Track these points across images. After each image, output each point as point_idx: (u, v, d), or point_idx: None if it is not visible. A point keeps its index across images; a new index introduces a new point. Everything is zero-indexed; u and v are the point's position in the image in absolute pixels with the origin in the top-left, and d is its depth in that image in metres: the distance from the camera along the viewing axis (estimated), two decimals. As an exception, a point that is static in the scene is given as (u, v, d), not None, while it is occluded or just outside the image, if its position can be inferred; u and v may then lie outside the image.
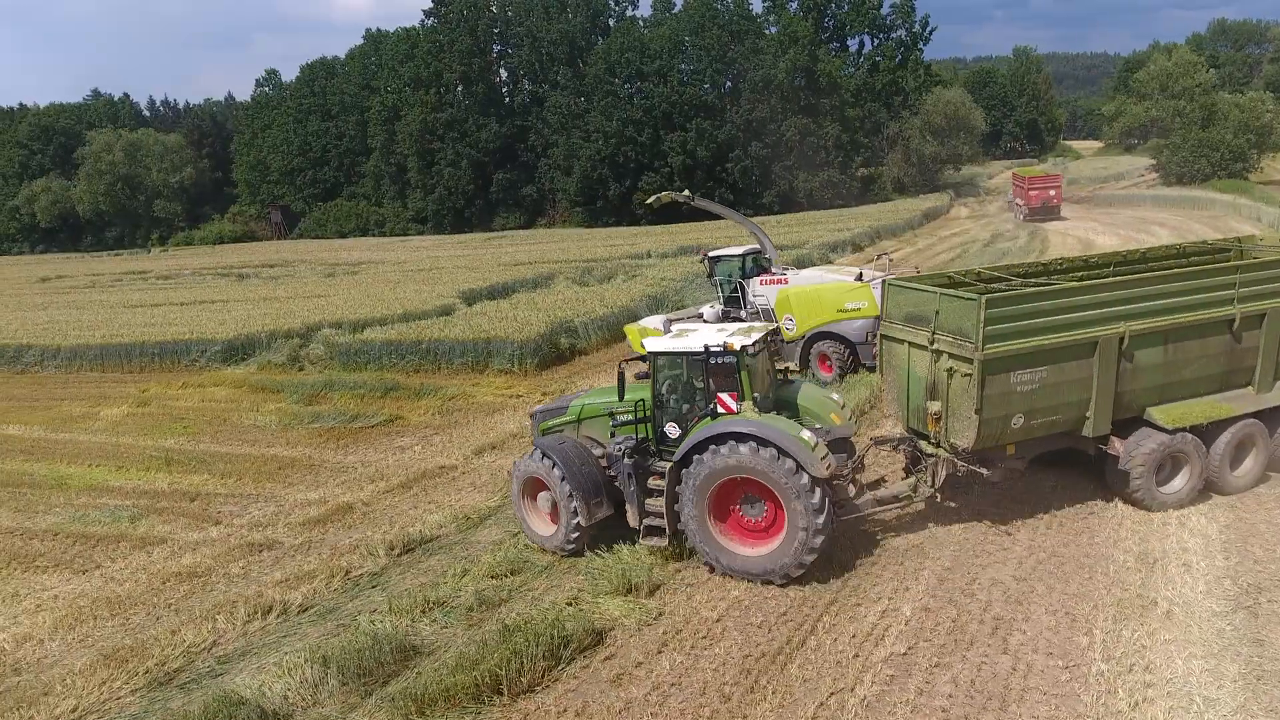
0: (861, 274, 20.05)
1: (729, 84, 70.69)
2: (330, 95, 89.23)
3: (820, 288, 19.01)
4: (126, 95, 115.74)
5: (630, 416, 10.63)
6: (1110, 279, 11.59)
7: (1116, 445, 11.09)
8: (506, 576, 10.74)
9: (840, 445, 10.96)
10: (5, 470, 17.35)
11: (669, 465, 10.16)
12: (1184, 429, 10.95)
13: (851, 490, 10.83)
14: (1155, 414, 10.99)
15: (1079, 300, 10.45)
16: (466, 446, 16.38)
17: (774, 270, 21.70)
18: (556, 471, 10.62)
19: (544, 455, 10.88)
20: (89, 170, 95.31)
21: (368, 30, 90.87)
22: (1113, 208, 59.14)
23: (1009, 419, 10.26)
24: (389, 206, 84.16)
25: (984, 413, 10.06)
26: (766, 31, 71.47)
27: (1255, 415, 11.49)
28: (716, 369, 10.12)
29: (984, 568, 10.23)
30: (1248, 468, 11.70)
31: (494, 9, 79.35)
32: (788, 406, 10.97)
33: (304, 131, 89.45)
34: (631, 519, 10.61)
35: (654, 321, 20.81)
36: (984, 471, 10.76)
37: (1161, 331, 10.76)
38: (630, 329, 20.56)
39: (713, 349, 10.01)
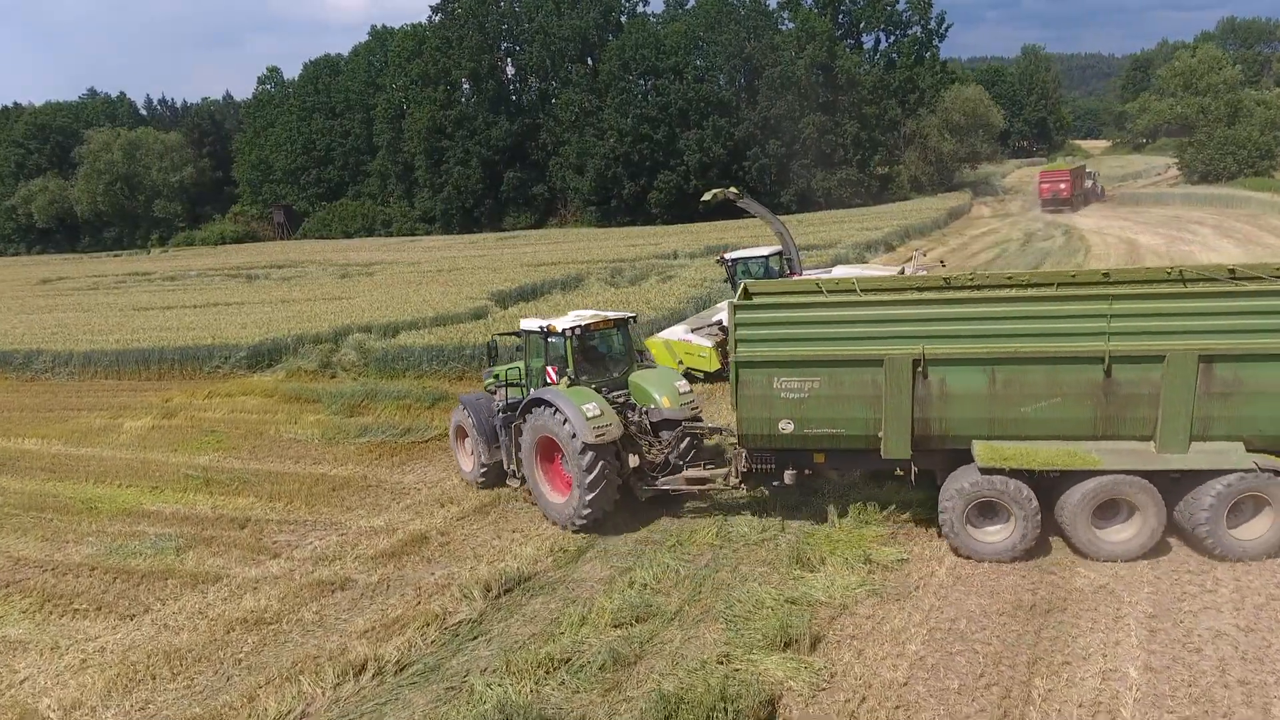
0: (904, 271, 19.66)
1: (745, 80, 69.28)
2: (335, 93, 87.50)
3: (670, 340, 19.63)
4: (123, 94, 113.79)
5: (508, 380, 12.89)
6: (906, 297, 10.83)
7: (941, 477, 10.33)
8: (632, 625, 9.25)
9: (668, 425, 12.10)
10: (27, 492, 15.77)
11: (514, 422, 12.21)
12: (999, 470, 9.62)
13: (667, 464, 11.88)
14: (977, 448, 9.85)
15: (853, 314, 10.12)
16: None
17: (799, 272, 20.59)
18: (471, 420, 13.16)
19: (464, 407, 13.44)
20: (87, 169, 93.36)
21: (373, 27, 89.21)
22: (1140, 206, 57.95)
23: (774, 422, 10.31)
24: (396, 206, 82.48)
25: (741, 411, 10.43)
26: (782, 28, 70.08)
27: (1143, 475, 9.46)
28: (551, 346, 12.11)
29: (1194, 614, 8.78)
30: (1125, 534, 9.71)
31: (502, 5, 77.81)
32: (631, 385, 12.45)
33: (308, 130, 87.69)
34: (505, 463, 12.90)
35: (676, 333, 20.13)
36: (769, 468, 10.93)
37: (983, 359, 9.58)
38: (652, 342, 19.34)
39: (542, 329, 12.09)
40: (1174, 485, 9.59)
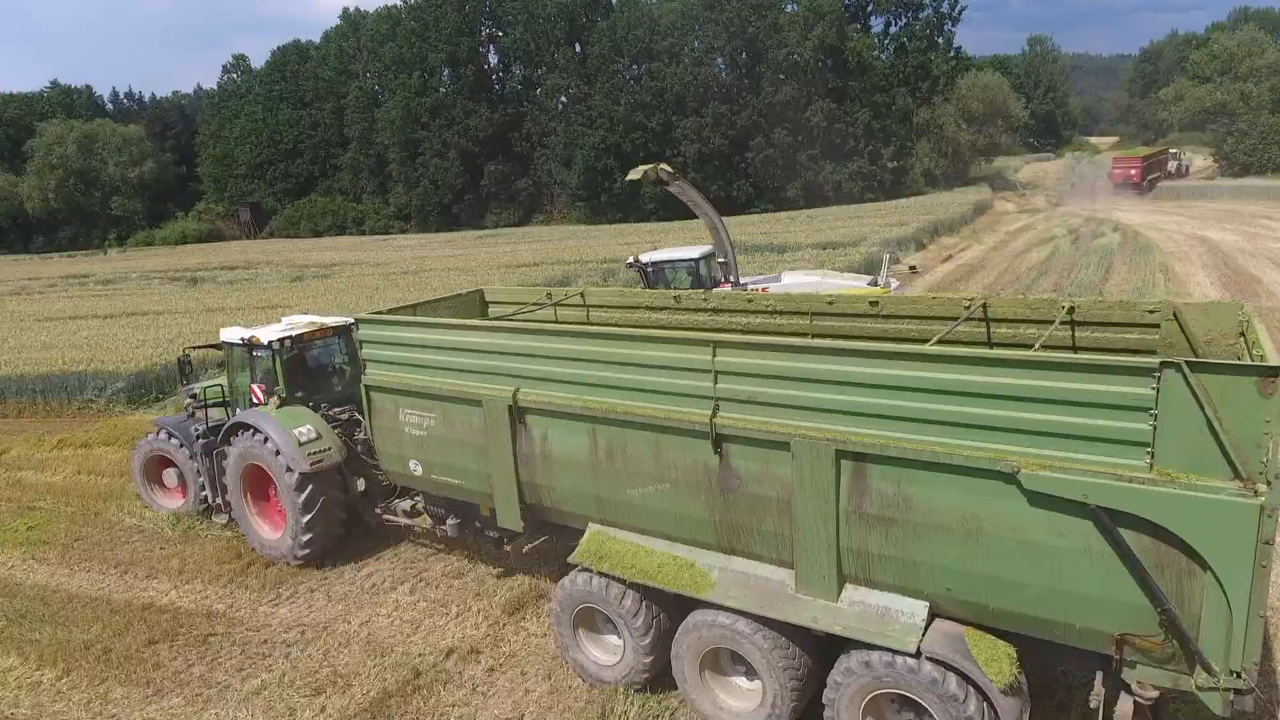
0: (877, 280, 16.65)
1: (748, 64, 63.69)
2: (303, 81, 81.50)
3: None
4: (88, 86, 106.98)
5: (207, 400, 11.21)
6: (506, 318, 9.15)
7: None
8: None
9: None
10: None
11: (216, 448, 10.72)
12: (591, 570, 7.09)
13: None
14: (587, 534, 7.29)
15: (457, 340, 7.72)
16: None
17: (734, 280, 16.64)
18: (178, 445, 11.42)
19: (164, 433, 11.64)
20: (39, 164, 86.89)
21: (345, 10, 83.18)
22: (1184, 200, 52.99)
23: (405, 460, 8.63)
24: (369, 203, 76.63)
25: (376, 443, 8.95)
26: (787, 9, 64.59)
27: (765, 622, 6.15)
28: (258, 361, 10.46)
29: None
30: (745, 704, 6.54)
31: (483, -16, 72.13)
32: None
33: (274, 121, 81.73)
34: (210, 496, 11.25)
35: None
36: (440, 511, 9.25)
37: (582, 415, 6.88)
38: None
39: (245, 341, 10.40)
40: (824, 647, 6.21)
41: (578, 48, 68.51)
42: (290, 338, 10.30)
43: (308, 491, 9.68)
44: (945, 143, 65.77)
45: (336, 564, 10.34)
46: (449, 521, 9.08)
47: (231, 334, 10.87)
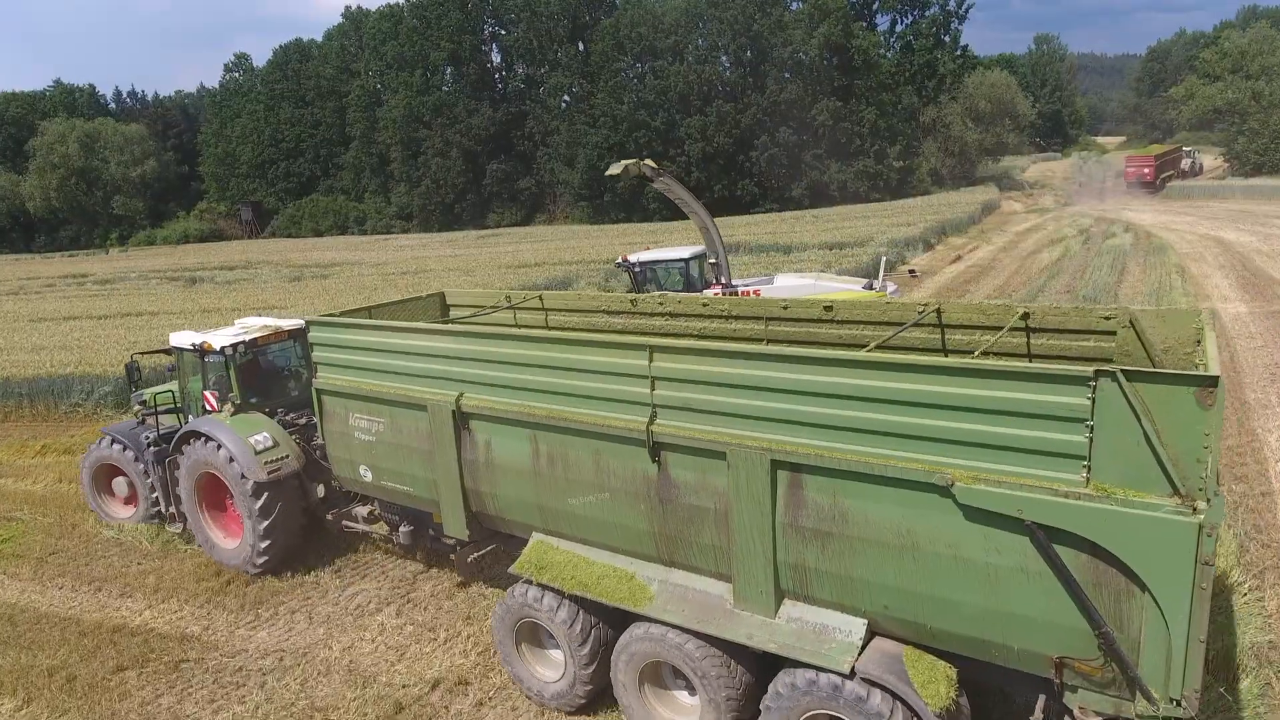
0: (873, 285, 16.14)
1: (752, 62, 63.04)
2: (305, 80, 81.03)
3: None
4: (91, 85, 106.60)
5: (160, 406, 10.88)
6: (462, 320, 8.99)
7: None
8: None
9: None
10: None
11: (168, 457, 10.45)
12: (532, 581, 6.85)
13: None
14: (530, 544, 7.08)
15: (404, 344, 7.49)
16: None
17: (724, 282, 16.49)
18: (130, 455, 11.08)
19: (113, 441, 11.28)
20: (40, 163, 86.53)
21: (347, 8, 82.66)
22: (1194, 200, 52.28)
23: (355, 466, 8.43)
24: (370, 202, 76.13)
25: (328, 448, 8.80)
26: (792, 7, 63.93)
27: (705, 638, 5.95)
28: (210, 366, 10.16)
29: None
30: (667, 716, 6.39)
31: (486, -18, 71.58)
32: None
33: (275, 120, 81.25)
34: (163, 505, 10.96)
35: None
36: (394, 518, 8.99)
37: (524, 421, 6.70)
38: None
39: (196, 346, 10.10)
40: (765, 662, 5.90)
41: (581, 46, 67.98)
42: (243, 342, 10.00)
43: (265, 500, 9.45)
44: (952, 142, 65.07)
45: (320, 581, 9.80)
46: (402, 529, 8.90)
47: (182, 339, 10.55)
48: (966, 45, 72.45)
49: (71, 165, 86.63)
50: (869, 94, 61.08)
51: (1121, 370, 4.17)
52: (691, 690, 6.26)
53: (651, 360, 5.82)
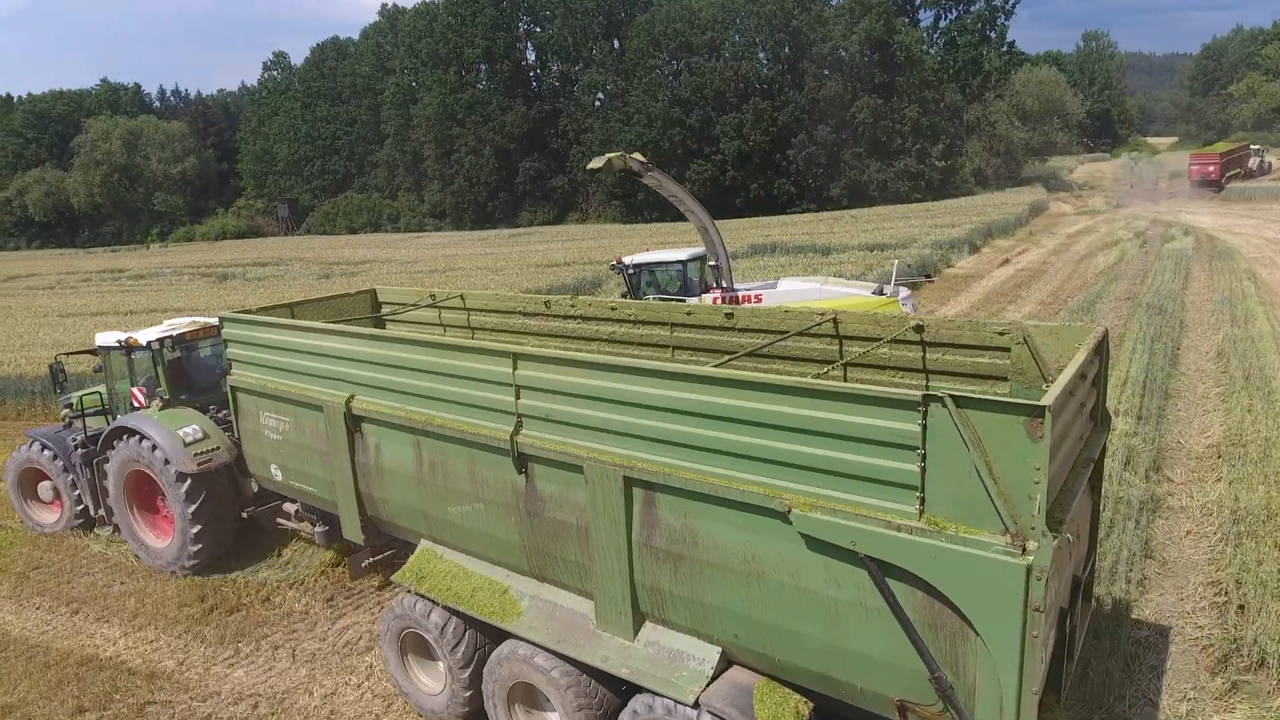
0: (883, 290, 15.22)
1: (791, 58, 61.58)
2: (341, 77, 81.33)
3: None
4: (136, 84, 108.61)
5: (88, 409, 10.73)
6: (341, 327, 7.51)
7: None
8: None
9: None
10: None
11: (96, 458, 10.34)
12: (414, 592, 6.60)
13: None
14: (418, 551, 6.85)
15: (302, 343, 7.39)
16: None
17: (725, 285, 15.78)
18: (52, 457, 10.86)
19: (37, 445, 11.08)
20: (84, 159, 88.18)
21: (383, 6, 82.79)
22: (1255, 202, 49.69)
23: (267, 464, 8.40)
24: (403, 199, 76.11)
25: (241, 443, 8.77)
26: (831, 1, 62.37)
27: (566, 660, 5.67)
28: (137, 363, 10.17)
29: None
30: None
31: (522, -22, 70.98)
32: None
33: (311, 117, 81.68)
34: (92, 508, 10.82)
35: None
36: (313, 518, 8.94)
37: (407, 426, 6.45)
38: None
39: (122, 344, 10.08)
40: (629, 686, 5.48)
41: (615, 43, 67.08)
42: (170, 337, 9.97)
43: (194, 493, 9.30)
44: (997, 141, 63.03)
45: (310, 612, 8.90)
46: (318, 528, 8.81)
47: (108, 338, 10.45)
48: (1013, 41, 70.26)
49: (114, 162, 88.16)
50: (911, 91, 59.29)
51: (950, 395, 3.81)
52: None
53: (515, 368, 5.59)
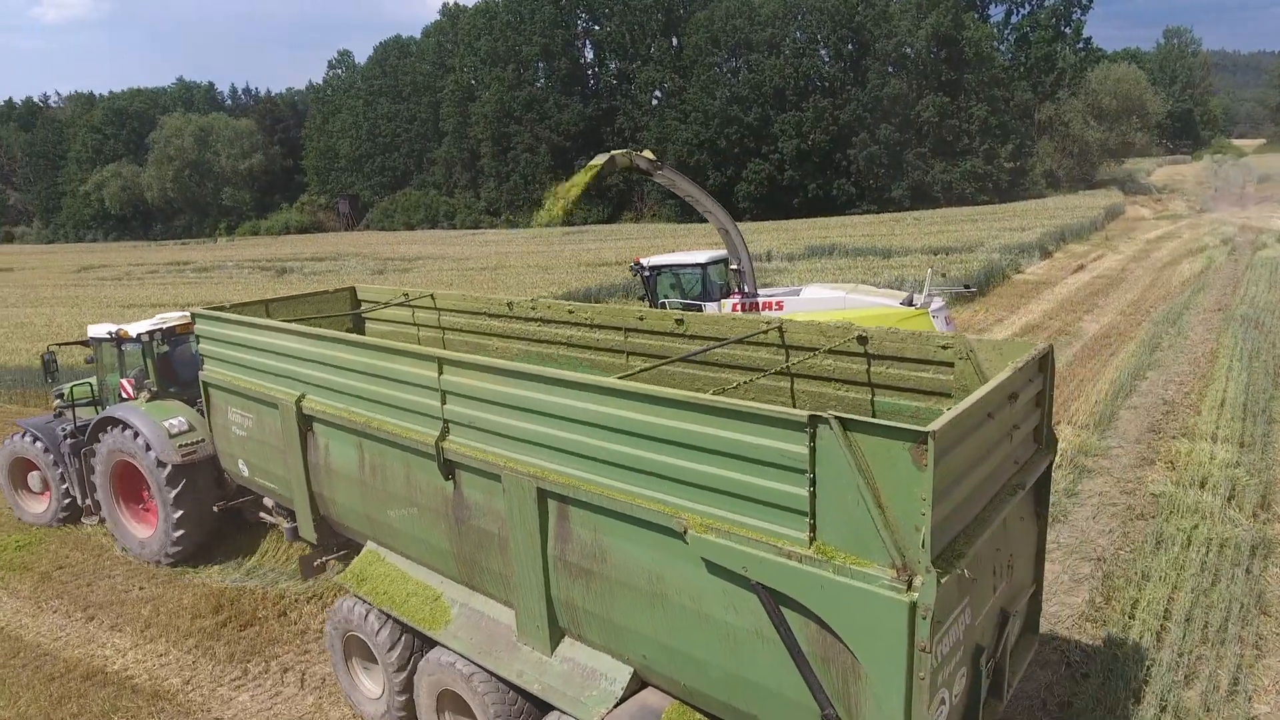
0: (914, 300, 14.22)
1: (853, 55, 59.89)
2: (402, 75, 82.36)
3: None
4: (210, 83, 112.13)
5: (75, 399, 10.90)
6: (290, 326, 7.40)
7: None
8: None
9: None
10: None
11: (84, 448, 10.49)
12: (353, 593, 6.63)
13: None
14: (362, 551, 6.94)
15: (261, 340, 7.48)
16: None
17: (747, 290, 15.02)
18: (42, 448, 11.02)
19: (28, 435, 11.20)
20: (158, 155, 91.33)
21: (445, 4, 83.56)
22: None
23: (235, 459, 8.60)
24: (460, 196, 76.64)
25: (213, 438, 8.94)
26: (897, -4, 60.42)
27: (480, 665, 5.59)
28: (127, 355, 10.33)
29: None
30: None
31: (581, -25, 70.69)
32: None
33: (373, 115, 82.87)
34: (79, 498, 10.99)
35: None
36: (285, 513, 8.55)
37: (352, 427, 6.49)
38: None
39: (113, 335, 10.25)
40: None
41: (674, 40, 66.30)
42: (160, 331, 10.12)
43: (175, 480, 9.42)
44: (1070, 141, 60.25)
45: (325, 631, 8.38)
46: (286, 524, 8.67)
47: (99, 330, 10.62)
48: (1089, 37, 67.15)
49: (186, 158, 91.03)
50: (980, 89, 57.07)
51: (836, 416, 3.62)
52: None
53: (441, 373, 5.56)
